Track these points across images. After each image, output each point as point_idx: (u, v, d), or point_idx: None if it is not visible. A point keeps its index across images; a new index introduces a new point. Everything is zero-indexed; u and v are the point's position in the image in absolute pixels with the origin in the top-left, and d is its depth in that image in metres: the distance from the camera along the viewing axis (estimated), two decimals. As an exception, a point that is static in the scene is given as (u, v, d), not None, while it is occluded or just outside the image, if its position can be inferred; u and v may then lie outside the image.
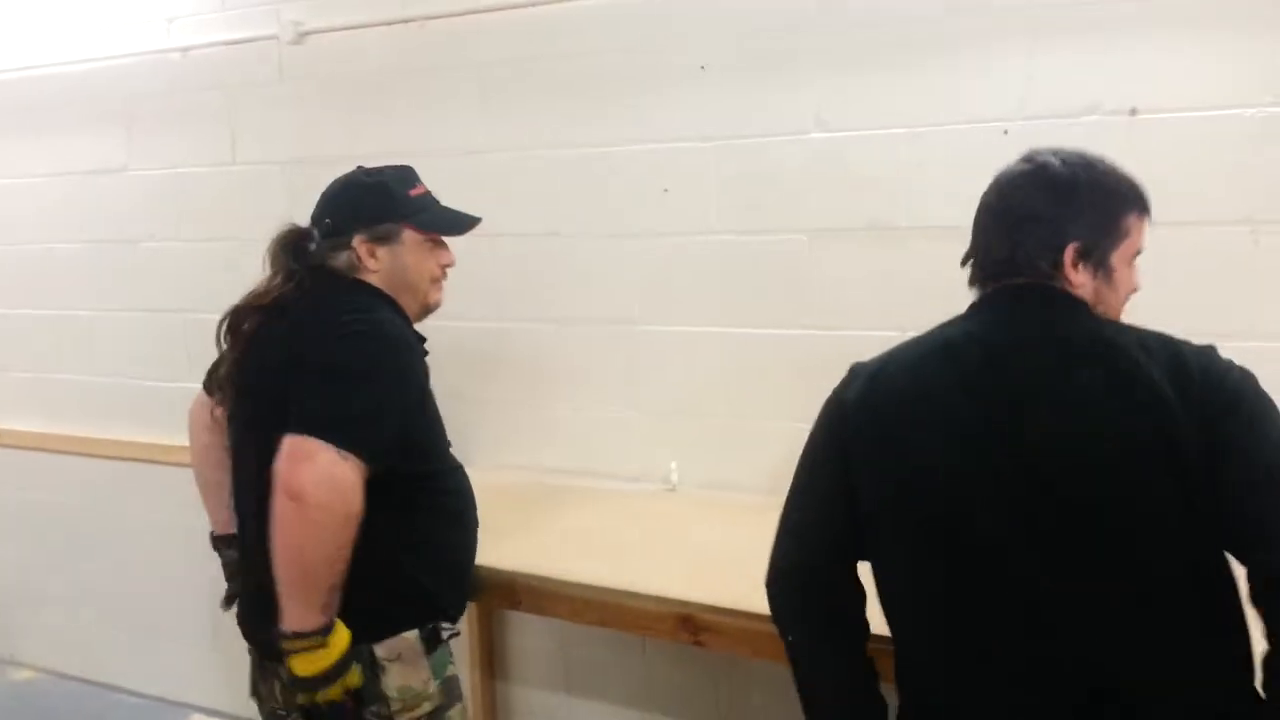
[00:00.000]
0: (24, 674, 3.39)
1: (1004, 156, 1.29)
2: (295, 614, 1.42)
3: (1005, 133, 1.93)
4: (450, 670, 1.63)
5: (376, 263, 1.63)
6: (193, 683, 3.08)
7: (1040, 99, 1.91)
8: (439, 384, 1.70)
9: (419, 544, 1.60)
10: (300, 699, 1.45)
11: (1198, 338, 1.17)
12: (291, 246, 1.65)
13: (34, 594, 3.40)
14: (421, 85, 2.51)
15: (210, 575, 1.88)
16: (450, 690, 1.62)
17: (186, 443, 1.87)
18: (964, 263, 1.29)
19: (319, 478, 1.37)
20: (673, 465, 2.35)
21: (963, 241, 1.30)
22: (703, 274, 2.27)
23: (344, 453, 1.39)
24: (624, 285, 2.36)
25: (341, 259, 1.63)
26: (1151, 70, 1.84)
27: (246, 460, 1.61)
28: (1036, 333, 1.18)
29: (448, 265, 1.73)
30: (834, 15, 2.05)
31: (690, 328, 2.31)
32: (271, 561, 1.41)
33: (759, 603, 1.29)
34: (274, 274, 1.66)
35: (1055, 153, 1.24)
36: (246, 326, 1.64)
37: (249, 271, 1.72)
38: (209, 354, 1.73)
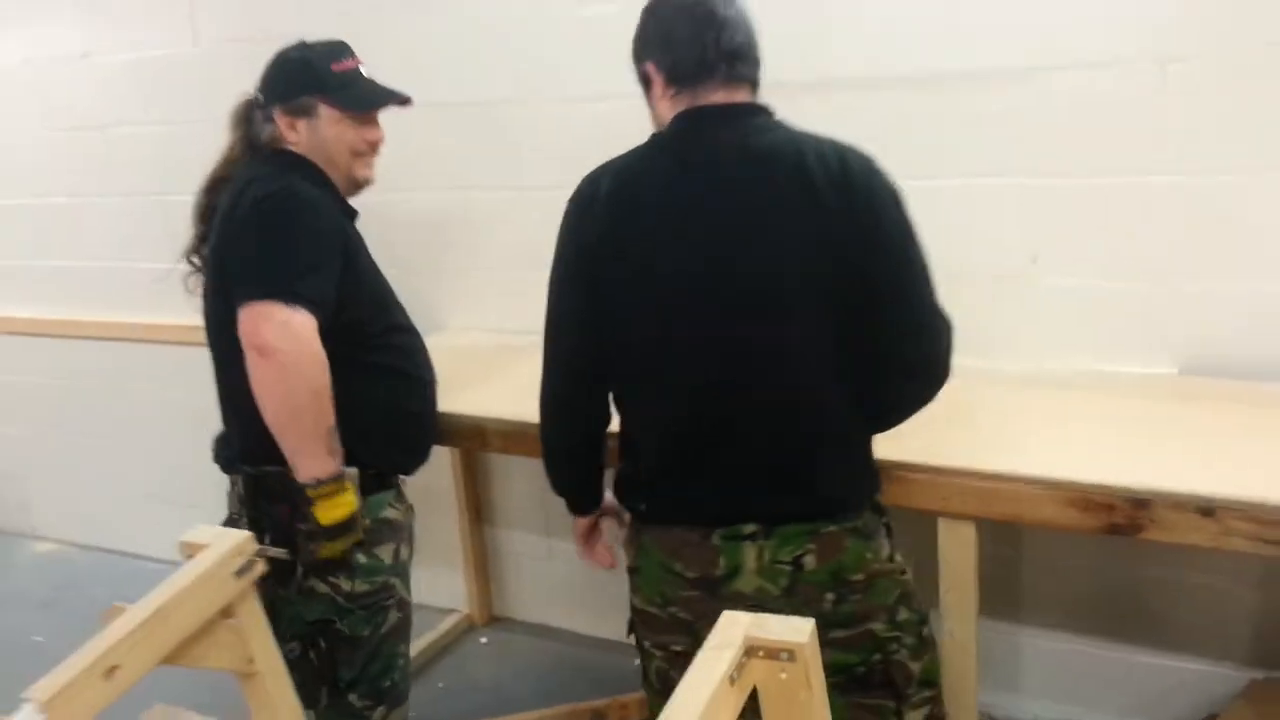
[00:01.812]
0: (46, 546, 3.63)
1: None
2: (305, 464, 1.56)
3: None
4: (388, 514, 1.75)
5: (296, 135, 1.71)
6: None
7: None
8: (400, 253, 1.80)
9: (358, 401, 1.67)
10: (323, 552, 1.59)
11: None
12: (242, 119, 1.75)
13: (44, 471, 3.61)
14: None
15: (197, 442, 1.97)
16: (381, 530, 1.73)
17: (169, 321, 1.98)
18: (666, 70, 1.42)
19: (278, 330, 1.51)
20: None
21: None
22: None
23: (292, 306, 1.52)
24: (579, 151, 2.44)
25: (267, 131, 1.73)
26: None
27: (209, 324, 1.75)
28: (731, 143, 1.37)
29: (374, 141, 1.78)
30: None
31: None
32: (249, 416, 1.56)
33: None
34: (228, 147, 1.76)
35: None
36: (205, 201, 1.76)
37: (215, 151, 1.80)
38: (184, 234, 1.82)
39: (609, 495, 1.66)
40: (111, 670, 0.99)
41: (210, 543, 1.15)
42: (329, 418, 1.57)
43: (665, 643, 1.50)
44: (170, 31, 2.85)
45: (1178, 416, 1.74)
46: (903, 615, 1.45)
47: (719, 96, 1.38)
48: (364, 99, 1.75)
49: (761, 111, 1.41)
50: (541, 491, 2.81)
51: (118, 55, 2.97)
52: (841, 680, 1.41)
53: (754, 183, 1.35)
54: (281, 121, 1.71)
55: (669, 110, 1.42)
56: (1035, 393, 1.91)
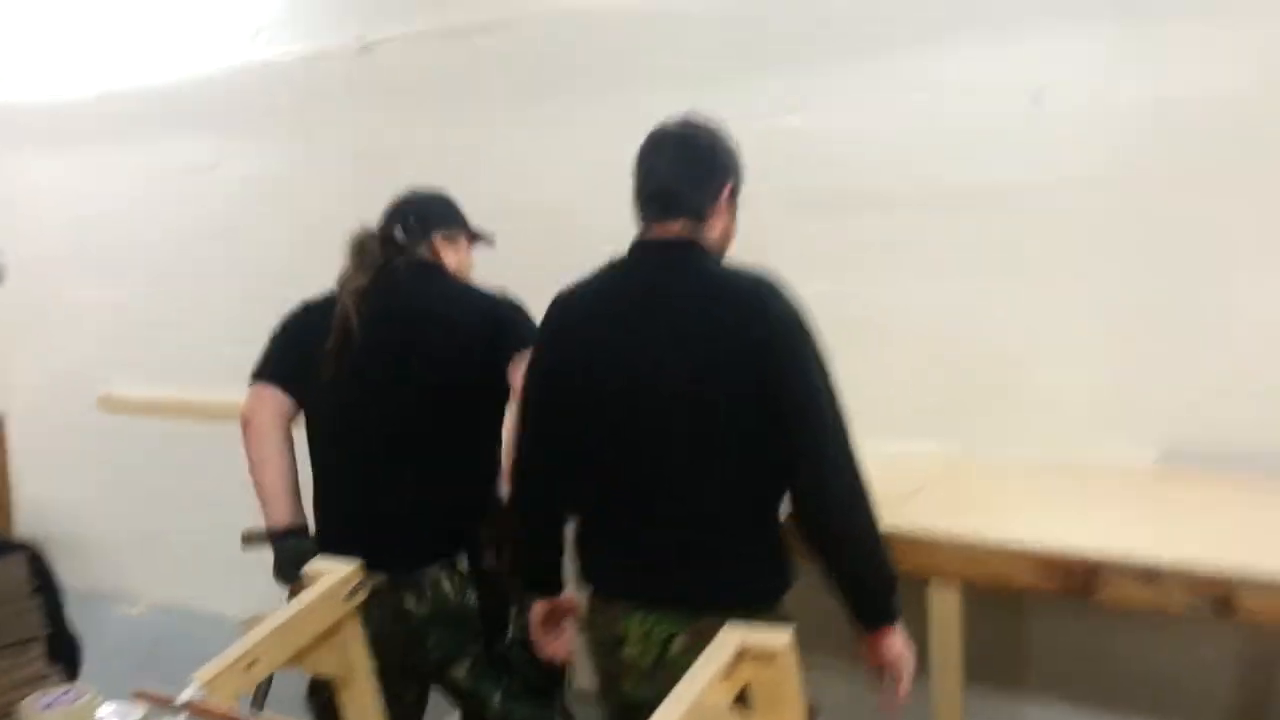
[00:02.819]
0: (136, 609, 3.95)
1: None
2: None
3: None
4: None
5: (446, 256, 2.13)
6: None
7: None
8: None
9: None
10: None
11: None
12: (382, 244, 2.09)
13: (139, 539, 3.96)
14: (468, 90, 2.93)
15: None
16: None
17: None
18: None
19: None
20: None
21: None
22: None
23: None
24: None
25: (422, 250, 2.11)
26: (1052, 56, 2.22)
27: (365, 414, 2.02)
28: (659, 276, 1.63)
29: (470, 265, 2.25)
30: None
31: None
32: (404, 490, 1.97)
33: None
34: (365, 265, 2.06)
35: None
36: (359, 311, 2.01)
37: (324, 257, 2.14)
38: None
39: (571, 593, 1.83)
40: (251, 664, 1.29)
41: (326, 572, 1.45)
42: None
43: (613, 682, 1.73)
44: (288, 150, 3.31)
45: (1147, 496, 1.99)
46: None
47: (654, 233, 1.66)
48: (483, 233, 2.25)
49: (692, 247, 1.63)
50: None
51: (243, 169, 3.42)
52: None
53: (671, 311, 1.59)
54: (440, 244, 2.12)
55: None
56: (1020, 476, 2.18)
